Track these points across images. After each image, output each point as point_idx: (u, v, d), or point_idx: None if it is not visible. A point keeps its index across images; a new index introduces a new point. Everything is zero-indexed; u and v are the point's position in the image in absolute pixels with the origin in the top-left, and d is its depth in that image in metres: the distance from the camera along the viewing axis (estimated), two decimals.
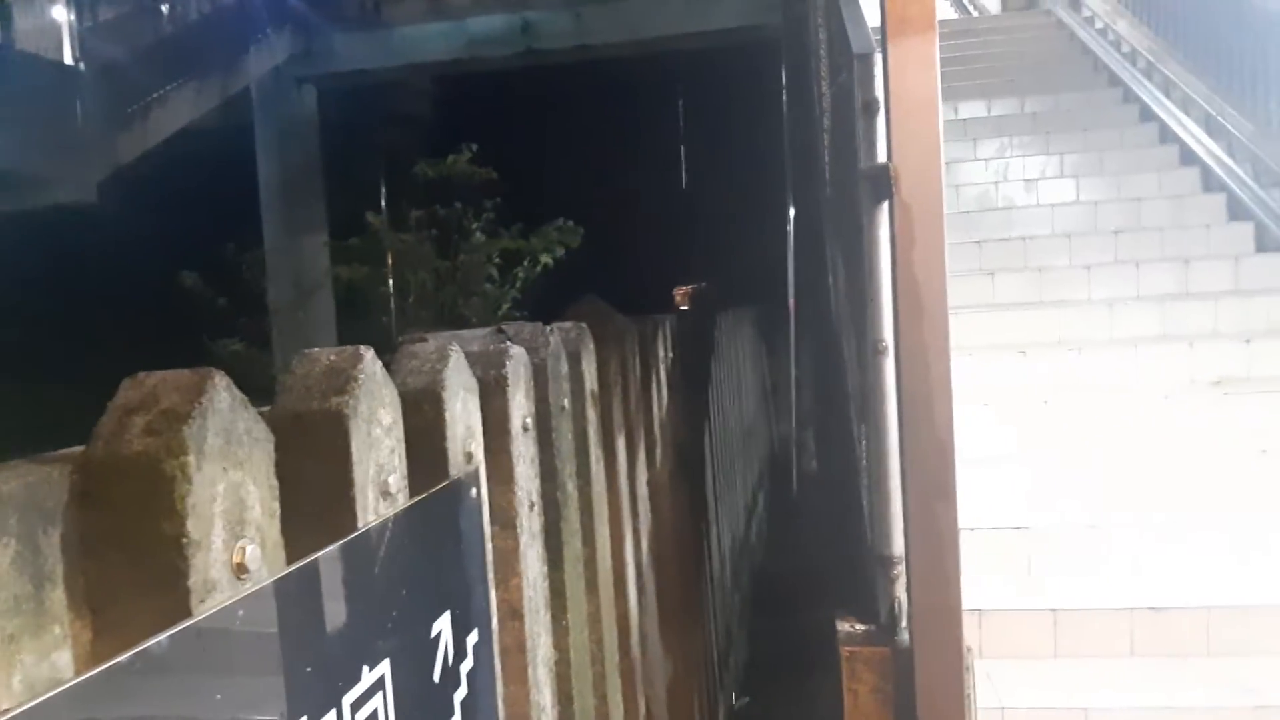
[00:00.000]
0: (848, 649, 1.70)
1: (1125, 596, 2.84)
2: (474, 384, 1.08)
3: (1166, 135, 5.49)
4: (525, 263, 7.68)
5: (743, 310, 7.31)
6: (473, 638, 1.04)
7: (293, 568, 0.68)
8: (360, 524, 0.80)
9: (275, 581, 0.66)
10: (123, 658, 0.52)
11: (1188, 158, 5.24)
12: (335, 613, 0.74)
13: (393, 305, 7.48)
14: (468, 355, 1.16)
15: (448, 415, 0.99)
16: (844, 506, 2.44)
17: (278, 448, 0.73)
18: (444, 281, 7.67)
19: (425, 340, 1.09)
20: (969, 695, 1.64)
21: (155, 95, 8.05)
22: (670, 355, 3.03)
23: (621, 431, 2.05)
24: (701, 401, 4.08)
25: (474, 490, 1.06)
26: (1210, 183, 5.02)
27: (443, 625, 0.96)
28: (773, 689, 4.44)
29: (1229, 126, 5.22)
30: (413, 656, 0.88)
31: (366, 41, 10.00)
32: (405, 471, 0.90)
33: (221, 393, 0.63)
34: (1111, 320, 4.02)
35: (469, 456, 1.05)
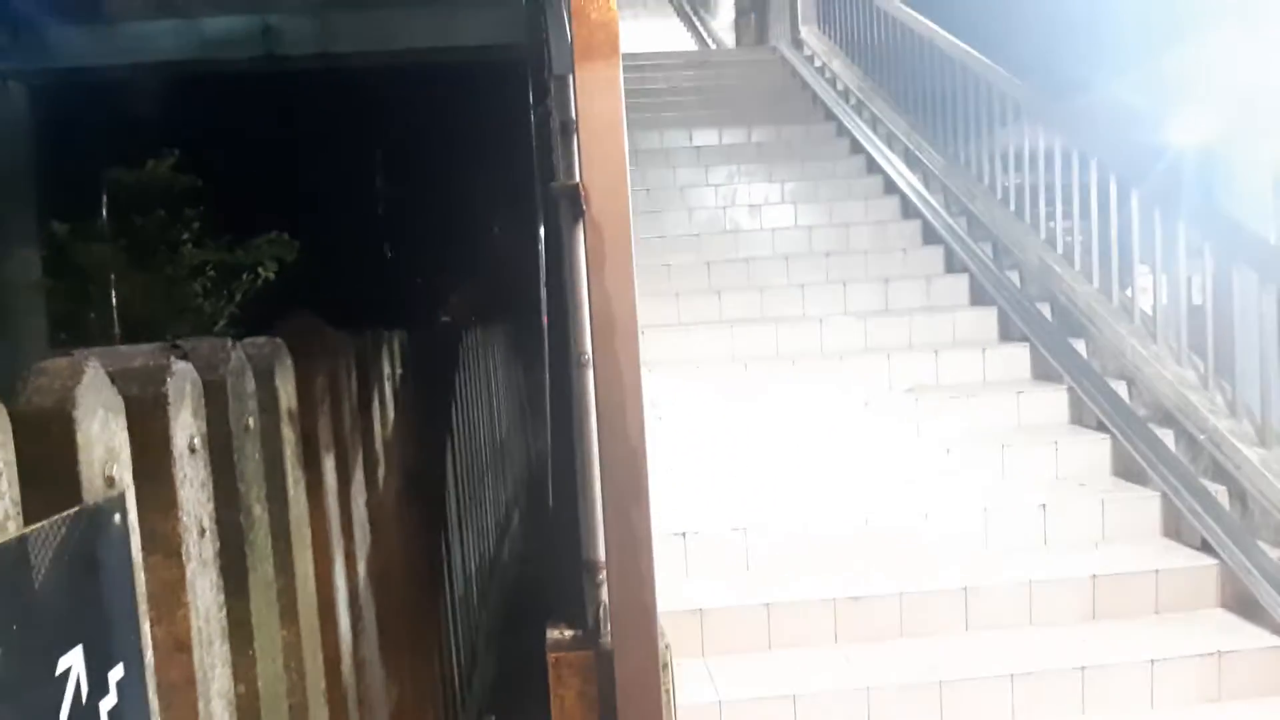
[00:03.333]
0: (554, 655, 1.74)
1: (830, 588, 3.08)
2: (118, 402, 1.02)
3: (873, 167, 6.05)
4: (244, 277, 7.23)
5: (495, 326, 7.29)
6: (117, 673, 0.97)
7: None
8: None
9: None
10: None
11: (890, 188, 5.80)
12: None
13: (114, 322, 6.81)
14: (125, 372, 1.09)
15: (80, 437, 0.92)
16: (567, 518, 2.50)
17: None
18: (146, 297, 7.08)
19: (69, 355, 1.01)
20: (668, 691, 1.72)
21: None
22: (400, 371, 2.98)
23: (330, 451, 1.99)
24: (443, 419, 4.03)
25: (118, 516, 0.99)
26: (909, 210, 5.58)
27: (73, 661, 0.89)
28: (521, 704, 4.43)
29: (924, 160, 5.83)
30: (29, 695, 0.82)
31: (86, 36, 9.11)
32: (18, 498, 0.83)
33: None
34: (823, 334, 4.38)
35: (110, 481, 0.98)
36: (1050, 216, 4.73)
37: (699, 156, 6.20)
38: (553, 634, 1.80)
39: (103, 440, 0.97)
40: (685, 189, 5.79)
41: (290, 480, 1.64)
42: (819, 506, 3.41)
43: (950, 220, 5.29)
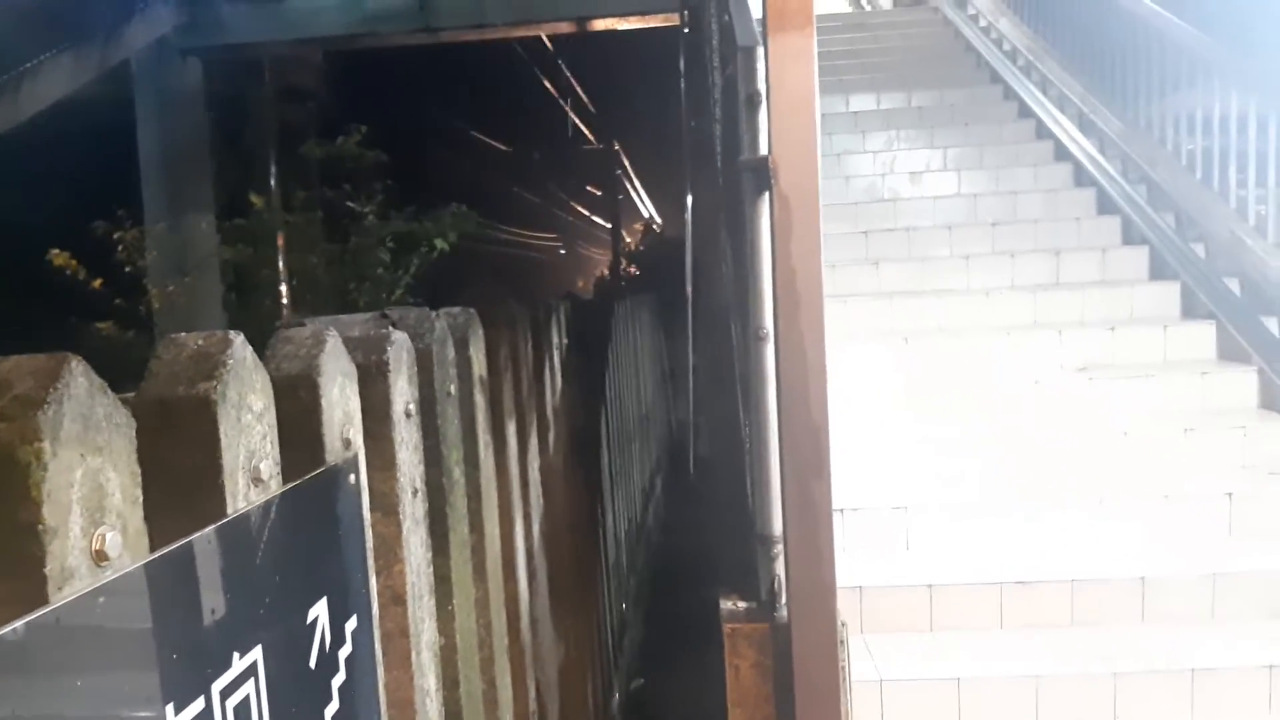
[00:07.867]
0: (730, 626, 1.75)
1: (996, 571, 2.99)
2: (353, 369, 1.08)
3: (1043, 131, 5.76)
4: (422, 249, 7.58)
5: (641, 298, 7.38)
6: (351, 624, 1.04)
7: (156, 555, 0.68)
8: (230, 510, 0.80)
9: (137, 568, 0.66)
10: None
11: (1062, 154, 5.51)
12: (202, 599, 0.73)
13: (282, 289, 7.26)
14: (348, 341, 1.16)
15: (324, 401, 0.99)
16: (731, 489, 2.51)
17: (145, 434, 0.72)
18: (334, 265, 7.51)
19: (303, 325, 1.08)
20: (843, 667, 1.71)
21: (26, 66, 7.59)
22: (565, 341, 3.05)
23: (512, 417, 2.06)
24: (598, 387, 4.11)
25: (353, 476, 1.06)
26: (1082, 178, 5.29)
27: (319, 611, 0.96)
28: (667, 669, 4.51)
29: (1100, 124, 5.51)
30: (287, 643, 0.88)
31: (255, 14, 9.64)
32: (278, 458, 0.90)
33: (79, 378, 0.62)
34: (989, 308, 4.22)
35: (347, 443, 1.05)
36: (1241, 185, 4.40)
37: (856, 122, 6.05)
38: (727, 605, 1.81)
39: (341, 405, 1.04)
40: (841, 156, 5.66)
41: (481, 444, 1.71)
42: (984, 488, 3.31)
43: (1128, 188, 4.99)
